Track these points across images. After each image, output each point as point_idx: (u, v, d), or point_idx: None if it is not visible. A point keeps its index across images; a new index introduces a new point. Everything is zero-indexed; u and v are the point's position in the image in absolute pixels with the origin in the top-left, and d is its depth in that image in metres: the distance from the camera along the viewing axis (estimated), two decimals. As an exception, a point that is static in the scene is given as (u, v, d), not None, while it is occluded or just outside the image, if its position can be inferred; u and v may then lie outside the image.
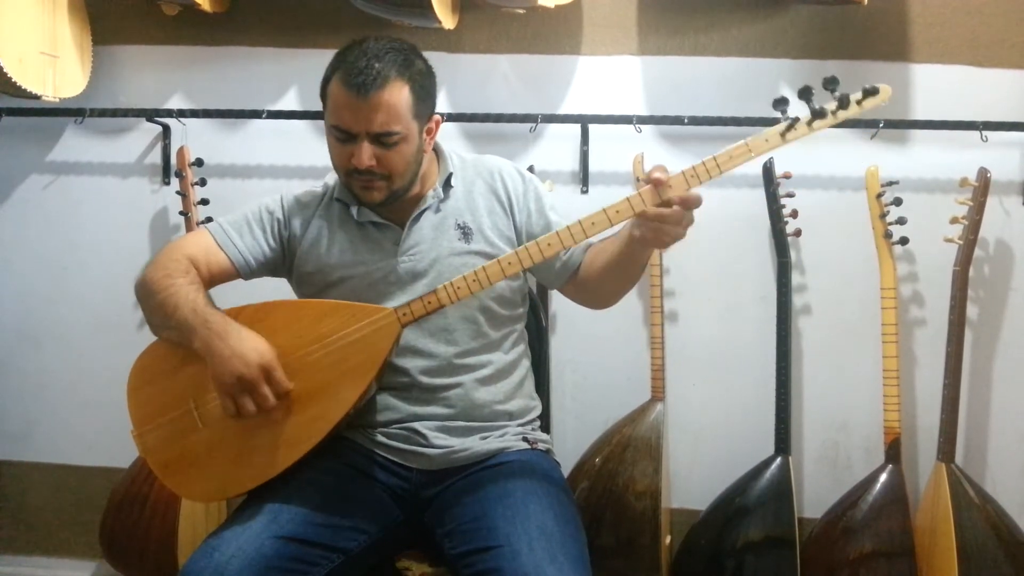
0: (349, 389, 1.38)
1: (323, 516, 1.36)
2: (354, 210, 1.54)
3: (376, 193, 1.46)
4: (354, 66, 1.39)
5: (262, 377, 1.33)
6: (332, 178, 1.60)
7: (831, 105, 1.25)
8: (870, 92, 1.25)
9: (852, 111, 1.26)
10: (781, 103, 1.24)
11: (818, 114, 1.25)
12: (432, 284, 1.48)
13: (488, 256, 1.51)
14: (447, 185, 1.55)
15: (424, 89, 1.46)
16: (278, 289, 1.65)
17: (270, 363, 1.34)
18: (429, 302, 1.38)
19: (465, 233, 1.53)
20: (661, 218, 1.26)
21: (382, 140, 1.41)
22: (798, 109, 1.26)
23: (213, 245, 1.53)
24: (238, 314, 1.41)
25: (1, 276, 2.38)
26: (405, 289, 1.50)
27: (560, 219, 1.57)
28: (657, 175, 1.25)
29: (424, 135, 1.48)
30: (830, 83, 1.24)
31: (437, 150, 1.59)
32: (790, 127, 1.25)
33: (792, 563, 1.95)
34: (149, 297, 1.45)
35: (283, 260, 1.59)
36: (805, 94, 1.24)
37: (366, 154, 1.41)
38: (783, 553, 1.96)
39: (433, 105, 1.51)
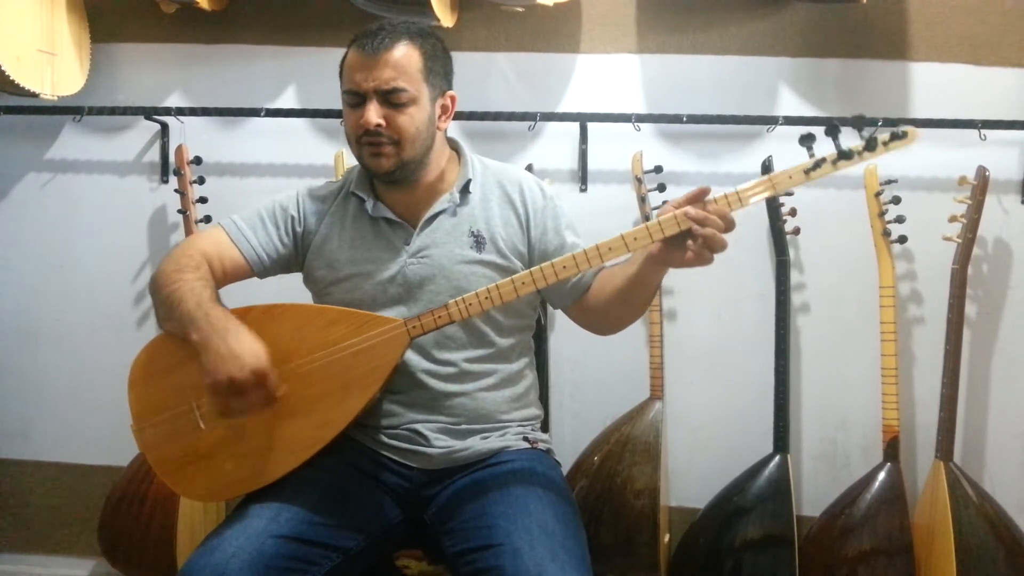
0: (355, 398, 1.38)
1: (323, 515, 1.36)
2: (369, 204, 1.53)
3: (385, 160, 1.45)
4: (368, 31, 1.44)
5: (253, 382, 1.32)
6: (351, 172, 1.60)
7: (857, 146, 1.24)
8: (898, 136, 1.23)
9: (879, 153, 1.24)
10: (808, 139, 1.24)
11: (844, 155, 1.24)
12: (439, 290, 1.48)
13: (497, 267, 1.51)
14: (465, 191, 1.55)
15: (437, 59, 1.48)
16: (287, 290, 1.64)
17: (264, 369, 1.32)
18: (440, 316, 1.38)
19: (478, 242, 1.52)
20: (708, 235, 1.25)
21: (390, 99, 1.42)
22: (824, 143, 1.26)
23: (227, 242, 1.53)
24: (247, 313, 1.40)
25: (-1, 274, 2.38)
26: (411, 292, 1.49)
27: (577, 240, 1.57)
28: (687, 208, 1.26)
29: (437, 108, 1.49)
30: (859, 122, 1.23)
31: (459, 152, 1.59)
32: (816, 166, 1.24)
33: (790, 561, 1.96)
34: (158, 291, 1.45)
35: (296, 256, 1.59)
36: (833, 131, 1.23)
37: (374, 112, 1.42)
38: (781, 551, 1.96)
39: (448, 82, 1.52)
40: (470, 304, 1.37)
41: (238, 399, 1.33)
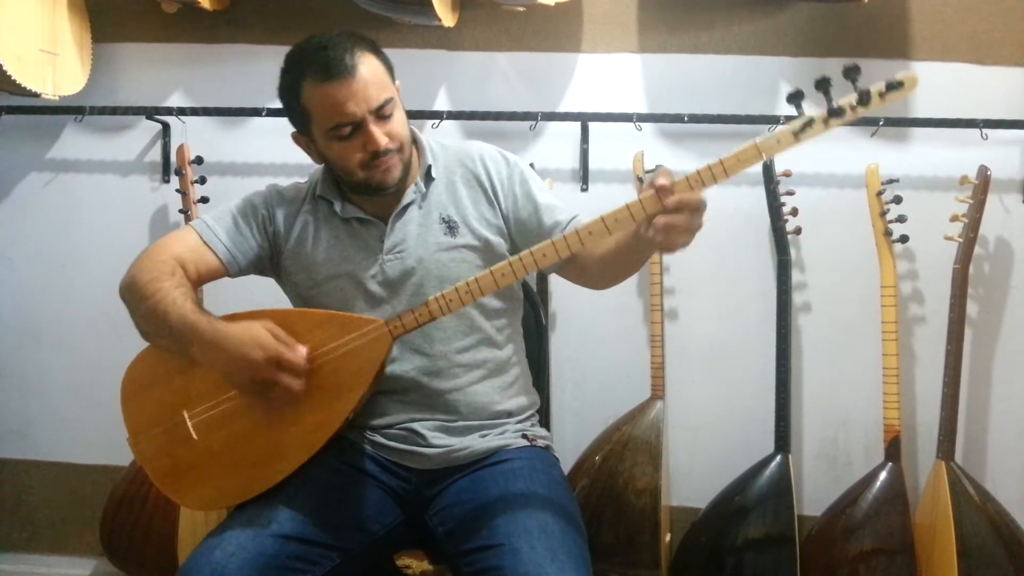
0: (343, 401, 1.37)
1: (323, 515, 1.36)
2: (338, 206, 1.52)
3: (396, 170, 1.44)
4: (321, 61, 1.37)
5: (275, 369, 1.30)
6: (315, 174, 1.59)
7: (850, 100, 1.12)
8: (894, 86, 1.10)
9: (874, 106, 1.11)
10: (796, 97, 1.12)
11: (836, 112, 1.11)
12: (420, 282, 1.47)
13: (475, 249, 1.50)
14: (428, 178, 1.53)
15: (383, 55, 1.46)
16: (271, 293, 1.64)
17: (273, 352, 1.30)
18: (420, 315, 1.35)
19: (450, 227, 1.50)
20: (670, 226, 1.17)
21: (382, 113, 1.40)
22: (815, 99, 1.16)
23: (199, 243, 1.50)
24: (230, 321, 1.38)
25: (1, 274, 2.38)
26: (393, 288, 1.49)
27: (552, 200, 1.53)
28: (661, 181, 1.18)
29: None
30: (851, 72, 1.10)
31: (416, 142, 1.56)
32: (805, 127, 1.13)
33: (792, 561, 1.95)
34: (137, 302, 1.42)
35: (270, 256, 1.56)
36: (823, 85, 1.11)
37: (380, 133, 1.40)
38: (783, 551, 1.96)
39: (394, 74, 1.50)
40: (450, 300, 1.34)
41: (273, 391, 1.32)
